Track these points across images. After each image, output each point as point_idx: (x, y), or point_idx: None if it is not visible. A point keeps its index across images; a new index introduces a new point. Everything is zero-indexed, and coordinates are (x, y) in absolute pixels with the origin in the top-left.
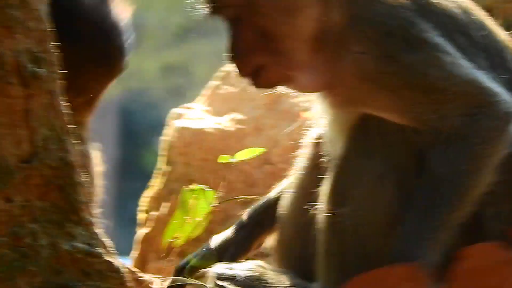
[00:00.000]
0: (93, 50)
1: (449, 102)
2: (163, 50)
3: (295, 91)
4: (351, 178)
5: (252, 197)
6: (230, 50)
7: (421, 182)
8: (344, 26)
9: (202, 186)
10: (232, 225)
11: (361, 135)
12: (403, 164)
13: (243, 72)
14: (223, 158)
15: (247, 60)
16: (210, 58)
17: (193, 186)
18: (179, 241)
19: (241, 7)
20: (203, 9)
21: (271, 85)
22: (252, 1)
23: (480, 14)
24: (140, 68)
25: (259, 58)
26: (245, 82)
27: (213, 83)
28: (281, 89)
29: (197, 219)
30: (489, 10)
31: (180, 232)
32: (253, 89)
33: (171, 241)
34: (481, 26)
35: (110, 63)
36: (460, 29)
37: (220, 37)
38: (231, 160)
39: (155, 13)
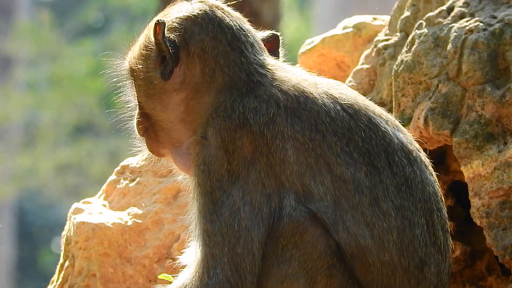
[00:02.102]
0: None
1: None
2: (58, 149)
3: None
4: None
5: None
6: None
7: None
8: (208, 111)
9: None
10: None
11: None
12: None
13: (137, 131)
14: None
15: (137, 126)
16: (104, 156)
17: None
18: None
19: (129, 78)
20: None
21: (155, 153)
22: (134, 78)
23: (374, 110)
24: (35, 167)
25: (143, 128)
26: (143, 175)
27: (111, 178)
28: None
29: None
30: (385, 104)
31: None
32: (149, 183)
33: None
34: (367, 129)
35: None
36: (336, 130)
37: (113, 136)
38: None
39: (48, 112)
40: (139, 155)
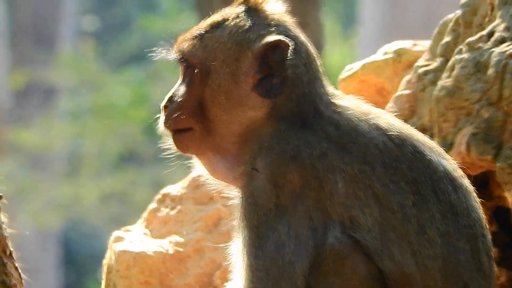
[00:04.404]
0: None
1: None
2: (101, 178)
3: (205, 171)
4: None
5: None
6: (170, 97)
7: None
8: (264, 137)
9: None
10: None
11: None
12: None
13: (168, 124)
14: None
15: (179, 116)
16: (148, 184)
17: None
18: None
19: (201, 67)
20: (171, 53)
21: (185, 150)
22: (209, 71)
23: (418, 138)
24: (78, 197)
25: (191, 121)
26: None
27: (152, 206)
28: (193, 159)
29: None
30: (426, 129)
31: None
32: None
33: None
34: (413, 158)
35: None
36: (384, 162)
37: (155, 164)
38: None
39: (92, 141)
40: (180, 183)
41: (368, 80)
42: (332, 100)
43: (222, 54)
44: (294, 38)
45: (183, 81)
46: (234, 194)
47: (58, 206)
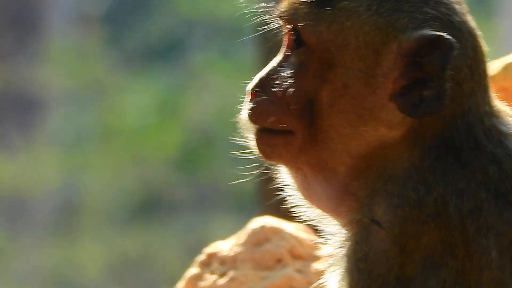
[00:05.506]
0: None
1: None
2: (110, 235)
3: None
4: None
5: None
6: (262, 79)
7: None
8: (395, 171)
9: None
10: None
11: None
12: None
13: (256, 118)
14: None
15: (277, 111)
16: (182, 242)
17: None
18: None
19: (322, 53)
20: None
21: (274, 158)
22: (333, 62)
23: None
24: (75, 264)
25: (295, 122)
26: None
27: (191, 271)
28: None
29: None
30: None
31: None
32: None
33: None
34: None
35: None
36: None
37: (194, 212)
38: None
39: (96, 180)
40: (232, 238)
41: None
42: (497, 124)
43: (356, 39)
44: (459, 28)
45: (289, 60)
46: (331, 231)
47: (45, 276)
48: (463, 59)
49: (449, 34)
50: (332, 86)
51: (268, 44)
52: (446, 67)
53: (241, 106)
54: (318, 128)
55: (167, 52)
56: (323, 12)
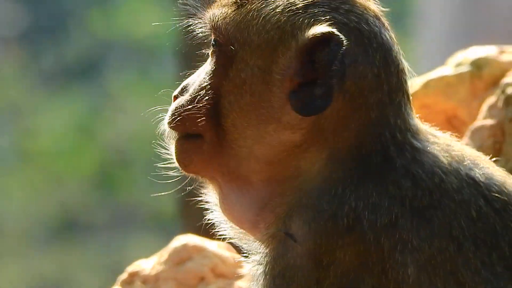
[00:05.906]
0: None
1: None
2: (27, 257)
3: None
4: None
5: None
6: (184, 85)
7: None
8: (308, 181)
9: None
10: None
11: None
12: None
13: (173, 123)
14: None
15: (189, 114)
16: (101, 263)
17: None
18: None
19: (226, 48)
20: (201, 27)
21: (188, 165)
22: (235, 57)
23: None
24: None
25: (203, 124)
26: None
27: None
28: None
29: None
30: None
31: None
32: None
33: None
34: None
35: None
36: (476, 236)
37: (113, 232)
38: None
39: (13, 203)
40: (154, 257)
41: (433, 105)
42: (412, 140)
43: (258, 36)
44: (368, 37)
45: (209, 64)
46: (251, 249)
47: None
48: (367, 65)
49: (353, 40)
50: (232, 82)
51: (187, 62)
52: (333, 64)
53: (159, 126)
54: (223, 129)
55: (84, 73)
56: (236, 12)
